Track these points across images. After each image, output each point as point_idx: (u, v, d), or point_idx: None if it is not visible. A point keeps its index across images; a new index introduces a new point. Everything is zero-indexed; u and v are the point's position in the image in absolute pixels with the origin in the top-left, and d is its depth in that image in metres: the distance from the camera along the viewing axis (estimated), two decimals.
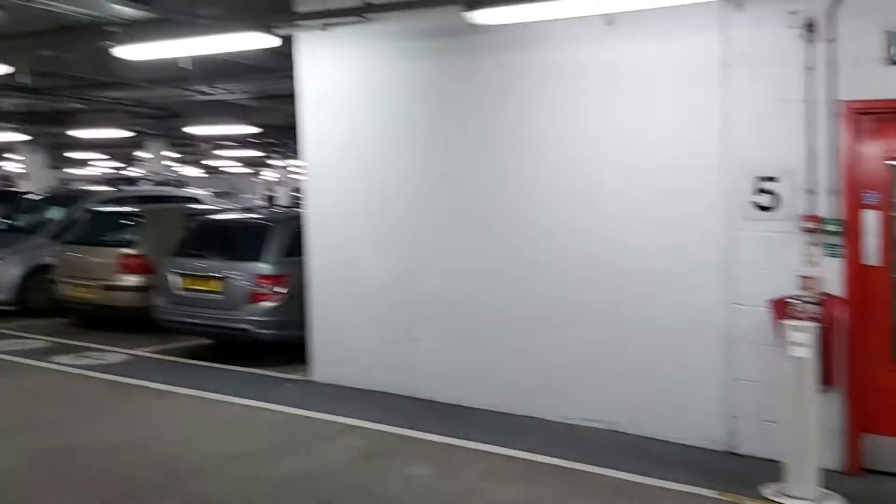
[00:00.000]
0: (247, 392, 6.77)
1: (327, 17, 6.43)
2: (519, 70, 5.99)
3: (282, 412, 6.27)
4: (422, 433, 5.66)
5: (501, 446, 5.35)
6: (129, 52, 7.23)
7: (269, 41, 6.70)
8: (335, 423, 5.96)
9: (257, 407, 6.41)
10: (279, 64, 9.52)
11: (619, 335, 5.63)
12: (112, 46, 7.25)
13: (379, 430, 5.76)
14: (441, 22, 6.11)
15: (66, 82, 12.46)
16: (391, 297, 6.72)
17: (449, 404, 6.33)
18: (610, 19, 5.31)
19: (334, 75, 6.91)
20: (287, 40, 6.93)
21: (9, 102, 14.52)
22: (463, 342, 6.36)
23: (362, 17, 6.19)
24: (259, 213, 9.31)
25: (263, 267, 7.79)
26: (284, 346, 7.78)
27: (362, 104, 6.81)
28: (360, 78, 6.79)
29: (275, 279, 7.71)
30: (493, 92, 6.13)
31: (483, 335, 6.26)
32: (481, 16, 5.40)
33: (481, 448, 5.35)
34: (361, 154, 6.83)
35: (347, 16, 6.27)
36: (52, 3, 6.84)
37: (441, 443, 5.48)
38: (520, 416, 6.01)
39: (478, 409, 6.21)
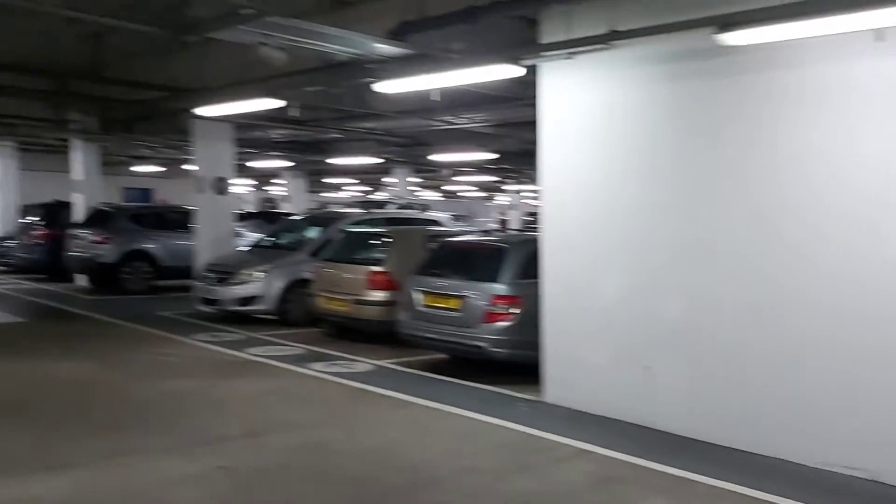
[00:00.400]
0: (481, 408, 6.98)
1: (572, 46, 6.54)
2: (772, 89, 5.71)
3: (515, 430, 6.39)
4: (656, 464, 5.51)
5: (744, 486, 5.06)
6: (388, 86, 7.83)
7: (514, 72, 6.95)
8: (567, 445, 5.98)
9: (491, 423, 6.58)
10: (519, 93, 9.85)
11: (891, 373, 5.13)
12: (373, 82, 7.89)
13: (611, 457, 5.70)
14: (687, 45, 6.00)
15: (328, 114, 13.67)
16: (627, 323, 6.64)
17: (685, 437, 6.12)
18: (881, 34, 4.91)
19: (576, 102, 7.00)
20: (529, 70, 7.14)
21: (277, 133, 16.18)
22: (702, 373, 6.12)
23: (607, 44, 6.23)
24: (496, 236, 9.59)
25: (500, 287, 8.01)
26: (517, 365, 7.94)
27: (604, 129, 6.82)
28: (603, 103, 6.81)
29: (510, 300, 7.91)
30: (742, 113, 5.89)
31: (725, 367, 5.98)
32: (735, 37, 5.23)
33: (721, 486, 5.10)
34: (601, 179, 6.84)
35: (592, 44, 6.34)
36: (324, 44, 7.60)
37: (677, 476, 5.31)
38: (764, 455, 5.66)
39: (717, 444, 5.93)
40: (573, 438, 6.09)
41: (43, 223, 17.51)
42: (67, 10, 7.54)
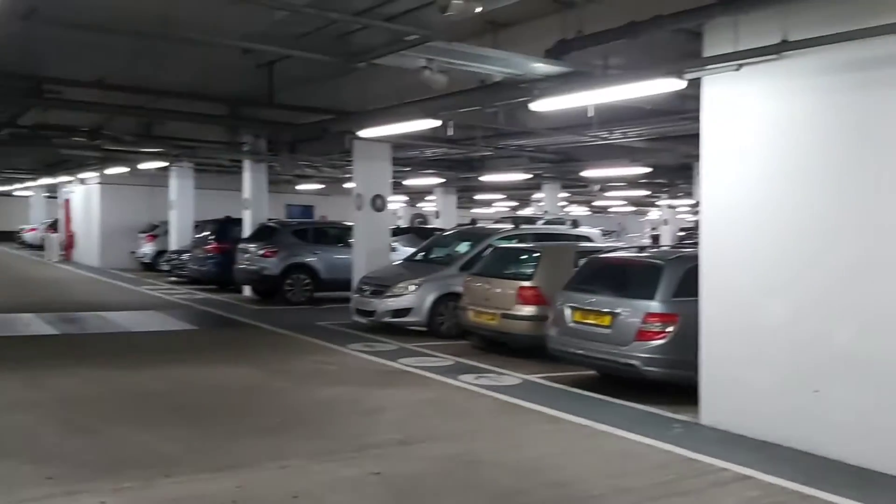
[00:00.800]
0: (633, 427, 6.81)
1: (740, 57, 6.32)
2: None
3: (669, 452, 6.18)
4: (826, 493, 5.17)
5: None
6: (544, 104, 7.87)
7: (675, 85, 6.80)
8: (726, 469, 5.71)
9: (644, 443, 6.41)
10: (677, 106, 9.60)
11: None
12: (529, 100, 7.96)
13: (775, 484, 5.38)
14: (874, 52, 5.63)
15: (481, 132, 13.87)
16: (793, 345, 6.27)
17: (859, 466, 5.70)
18: None
19: (741, 114, 6.71)
20: (690, 82, 6.95)
21: (431, 151, 16.58)
22: (880, 399, 5.67)
23: (779, 54, 5.95)
24: (650, 252, 9.35)
25: (654, 305, 7.79)
26: (669, 385, 7.70)
27: (772, 142, 6.48)
28: (771, 115, 6.49)
29: (665, 318, 7.68)
30: None
31: None
32: None
33: None
34: (767, 193, 6.50)
35: (762, 55, 6.09)
36: (484, 66, 7.76)
37: None
38: None
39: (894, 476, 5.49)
40: (732, 462, 5.82)
41: (214, 238, 18.79)
42: (247, 42, 8.12)
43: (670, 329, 7.63)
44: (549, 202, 24.18)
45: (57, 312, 13.61)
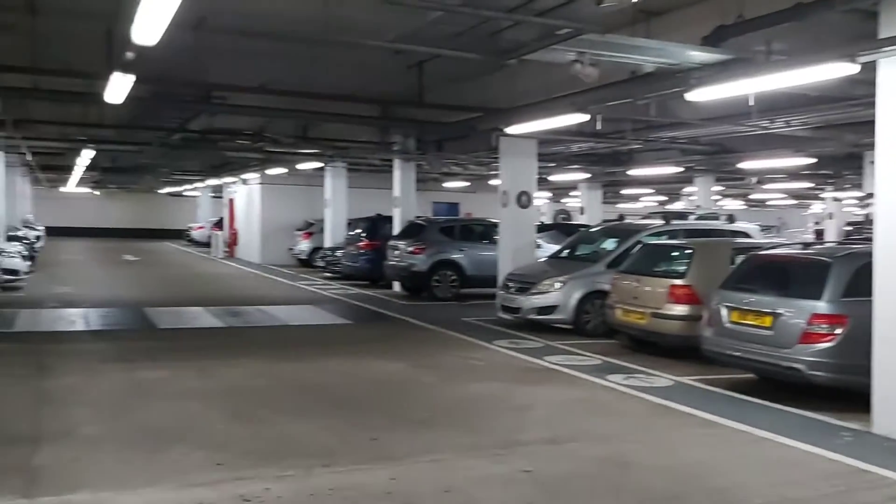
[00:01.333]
0: (796, 434, 6.45)
1: None
2: None
3: (837, 461, 5.82)
4: None
5: None
6: (701, 94, 7.59)
7: (847, 70, 6.35)
8: None
9: (809, 452, 6.05)
10: (846, 92, 8.96)
11: None
12: (684, 91, 7.69)
13: None
14: None
15: (630, 125, 13.54)
16: None
17: None
18: None
19: None
20: (864, 66, 6.47)
21: (577, 146, 16.36)
22: None
23: None
24: (816, 249, 8.77)
25: (821, 305, 7.30)
26: (836, 390, 7.23)
27: None
28: None
29: (833, 319, 7.18)
30: None
31: None
32: None
33: None
34: None
35: None
36: (637, 57, 7.59)
37: None
38: None
39: None
40: None
41: (366, 235, 19.44)
42: (402, 44, 8.33)
43: (839, 331, 7.14)
44: (701, 196, 23.22)
45: (222, 306, 14.51)
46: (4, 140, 17.89)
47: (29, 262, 18.50)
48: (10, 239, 19.47)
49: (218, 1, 7.00)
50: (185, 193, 42.82)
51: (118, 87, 9.19)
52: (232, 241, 30.60)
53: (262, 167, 23.57)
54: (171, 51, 7.15)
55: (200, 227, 38.76)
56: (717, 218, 14.32)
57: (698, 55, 7.43)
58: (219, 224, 33.11)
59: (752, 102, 8.15)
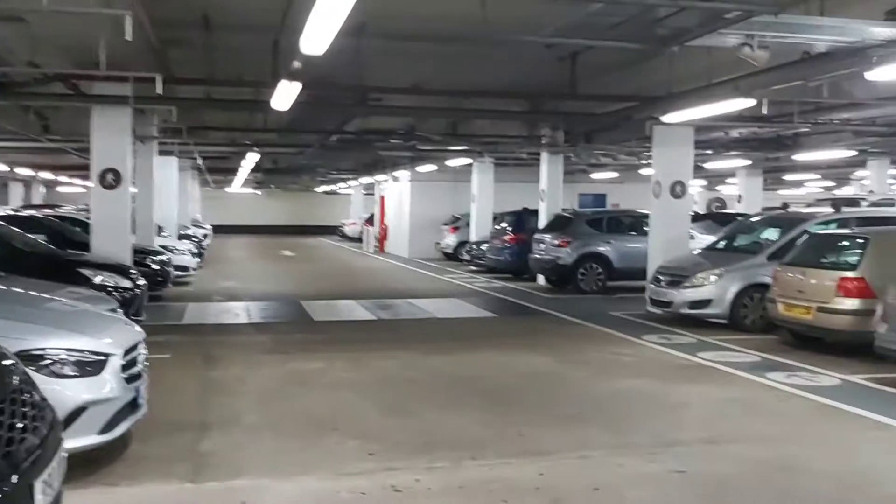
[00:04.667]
0: None
1: None
2: None
3: None
4: None
5: None
6: (885, 73, 7.07)
7: None
8: None
9: None
10: None
11: None
12: (865, 70, 7.18)
13: None
14: None
15: (797, 108, 12.74)
16: None
17: None
18: None
19: None
20: None
21: (738, 131, 15.57)
22: None
23: None
24: None
25: None
26: None
27: None
28: None
29: None
30: None
31: None
32: None
33: None
34: None
35: None
36: (812, 37, 7.14)
37: None
38: None
39: None
40: None
41: (511, 228, 19.44)
42: (560, 38, 8.21)
43: None
44: (876, 181, 21.45)
45: (373, 299, 14.95)
46: (179, 146, 19.24)
47: (197, 259, 19.84)
48: (181, 237, 20.94)
49: (379, 7, 7.16)
50: (338, 191, 44.57)
51: (285, 94, 9.67)
52: (382, 237, 31.51)
53: (412, 164, 24.10)
54: (332, 57, 7.39)
55: (353, 224, 40.23)
56: (893, 205, 13.15)
57: (882, 31, 6.89)
58: (370, 220, 34.19)
59: None
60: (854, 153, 18.22)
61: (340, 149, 20.03)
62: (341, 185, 40.49)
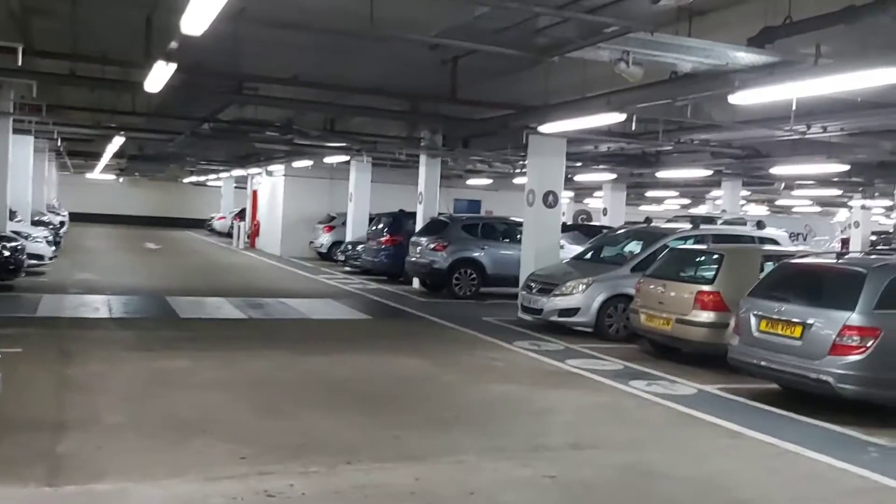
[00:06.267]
0: (823, 448, 6.34)
1: None
2: None
3: (865, 478, 5.71)
4: None
5: None
6: (745, 97, 7.45)
7: None
8: None
9: (837, 467, 5.95)
10: (889, 98, 8.79)
11: None
12: (728, 93, 7.56)
13: None
14: None
15: (660, 126, 13.40)
16: None
17: None
18: None
19: None
20: None
21: (606, 146, 16.20)
22: None
23: None
24: (849, 259, 8.58)
25: (853, 317, 7.16)
26: (865, 404, 7.12)
27: None
28: None
29: (865, 331, 7.05)
30: None
31: None
32: None
33: None
34: None
35: None
36: (681, 56, 7.46)
37: None
38: None
39: None
40: None
41: (388, 230, 19.39)
42: (444, 39, 8.23)
43: (870, 344, 7.02)
44: (728, 200, 22.94)
45: (244, 297, 14.53)
46: (37, 125, 18.03)
47: (53, 248, 18.64)
48: (36, 224, 19.63)
49: None
50: (208, 183, 43.04)
51: (159, 76, 9.19)
52: (254, 233, 30.72)
53: (287, 159, 23.60)
54: (208, 41, 7.12)
55: (222, 218, 38.97)
56: (744, 223, 14.09)
57: (745, 56, 7.28)
58: (241, 215, 33.25)
59: (794, 107, 8.00)
60: (710, 173, 19.39)
61: (213, 138, 19.33)
62: (212, 176, 39.12)
